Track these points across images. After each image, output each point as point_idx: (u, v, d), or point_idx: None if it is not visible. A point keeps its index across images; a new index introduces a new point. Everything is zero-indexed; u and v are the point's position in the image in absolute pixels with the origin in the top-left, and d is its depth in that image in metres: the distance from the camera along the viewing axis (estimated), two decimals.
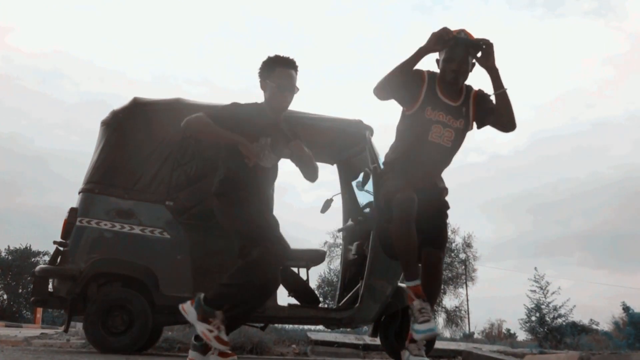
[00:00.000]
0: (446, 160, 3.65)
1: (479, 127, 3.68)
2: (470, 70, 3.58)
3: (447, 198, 3.72)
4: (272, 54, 3.53)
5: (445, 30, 3.45)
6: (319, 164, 6.28)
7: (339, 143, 5.61)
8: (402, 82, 3.51)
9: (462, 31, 3.50)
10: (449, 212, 3.70)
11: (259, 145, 3.42)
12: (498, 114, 3.55)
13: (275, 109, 3.53)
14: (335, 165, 6.18)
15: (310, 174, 3.74)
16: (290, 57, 3.53)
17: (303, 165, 3.69)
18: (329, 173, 6.18)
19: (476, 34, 3.52)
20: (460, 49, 3.49)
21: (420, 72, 3.58)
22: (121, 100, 5.13)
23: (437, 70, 3.63)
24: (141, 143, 4.90)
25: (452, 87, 3.56)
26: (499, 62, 3.52)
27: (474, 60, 3.55)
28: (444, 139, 3.53)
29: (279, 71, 3.47)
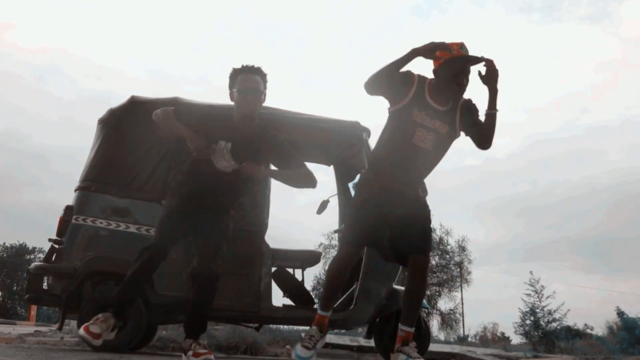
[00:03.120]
0: (429, 165, 3.66)
1: (461, 135, 3.72)
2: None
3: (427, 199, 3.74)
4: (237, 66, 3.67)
5: (443, 44, 3.54)
6: (316, 165, 6.31)
7: (336, 144, 5.61)
8: (391, 78, 3.56)
9: (463, 44, 3.58)
10: (430, 216, 3.69)
11: (218, 148, 3.46)
12: (480, 131, 3.62)
13: (241, 114, 3.61)
14: (331, 167, 6.18)
15: (294, 184, 3.77)
16: (254, 65, 3.63)
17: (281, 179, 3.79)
18: (325, 174, 6.18)
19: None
20: (465, 64, 3.56)
21: (410, 73, 3.63)
22: (119, 98, 5.14)
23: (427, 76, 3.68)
24: (138, 142, 4.89)
25: (443, 93, 3.61)
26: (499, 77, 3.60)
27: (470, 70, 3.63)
28: (426, 142, 3.55)
29: (240, 77, 3.60)
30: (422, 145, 3.54)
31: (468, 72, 3.59)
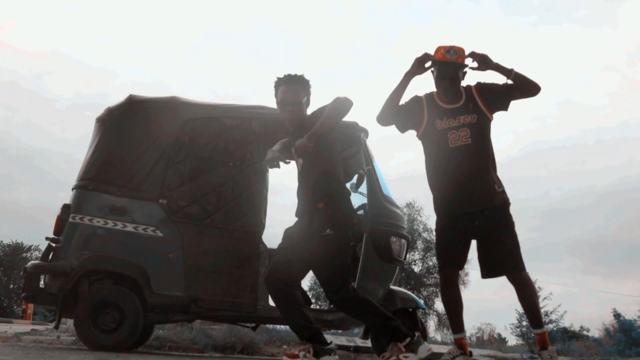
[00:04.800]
0: (477, 157, 3.72)
1: (504, 108, 3.85)
2: (462, 78, 3.83)
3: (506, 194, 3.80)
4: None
5: (426, 55, 3.80)
6: None
7: None
8: (402, 108, 3.87)
9: (452, 48, 3.74)
10: (513, 227, 3.75)
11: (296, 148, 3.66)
12: (520, 89, 3.78)
13: (287, 125, 3.81)
14: None
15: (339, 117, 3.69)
16: (290, 74, 3.74)
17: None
18: None
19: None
20: (449, 66, 3.74)
21: (416, 97, 3.88)
22: (114, 100, 5.14)
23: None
24: (136, 141, 4.89)
25: (450, 92, 3.79)
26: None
27: (465, 70, 3.82)
28: (462, 139, 3.70)
29: (280, 89, 3.73)
30: (459, 144, 3.70)
31: (450, 75, 3.75)
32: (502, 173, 3.82)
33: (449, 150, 3.70)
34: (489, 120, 3.80)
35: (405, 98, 3.91)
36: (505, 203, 3.74)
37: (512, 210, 3.76)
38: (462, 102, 3.78)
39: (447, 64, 3.73)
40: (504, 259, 3.66)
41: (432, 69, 3.84)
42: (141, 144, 4.88)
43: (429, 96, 3.86)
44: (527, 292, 3.68)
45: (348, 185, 5.87)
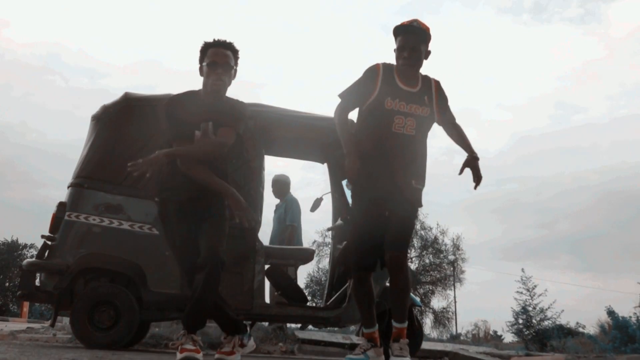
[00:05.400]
0: (414, 151, 3.59)
1: (438, 123, 3.75)
2: (425, 58, 3.65)
3: (422, 194, 3.69)
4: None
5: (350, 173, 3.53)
6: (310, 163, 6.31)
7: (330, 142, 5.61)
8: (356, 91, 3.65)
9: (416, 20, 3.59)
10: (416, 211, 3.73)
11: (202, 131, 3.41)
12: (450, 131, 3.77)
13: (211, 90, 3.42)
14: (325, 165, 6.18)
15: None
16: (227, 40, 3.47)
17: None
18: (319, 172, 6.19)
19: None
20: (411, 36, 3.55)
21: (374, 65, 3.65)
22: (113, 96, 5.13)
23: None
24: (131, 138, 4.88)
25: (409, 74, 3.61)
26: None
27: (429, 49, 3.64)
28: (407, 128, 3.53)
29: (210, 51, 3.41)
30: (403, 132, 3.53)
31: (411, 44, 3.54)
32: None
33: (391, 135, 3.51)
34: (433, 122, 3.68)
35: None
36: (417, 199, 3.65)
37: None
38: (418, 89, 3.60)
39: (408, 33, 3.55)
40: (393, 234, 3.50)
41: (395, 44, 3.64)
42: (137, 142, 4.86)
43: (388, 68, 3.64)
44: (405, 276, 3.54)
45: (344, 182, 5.88)
